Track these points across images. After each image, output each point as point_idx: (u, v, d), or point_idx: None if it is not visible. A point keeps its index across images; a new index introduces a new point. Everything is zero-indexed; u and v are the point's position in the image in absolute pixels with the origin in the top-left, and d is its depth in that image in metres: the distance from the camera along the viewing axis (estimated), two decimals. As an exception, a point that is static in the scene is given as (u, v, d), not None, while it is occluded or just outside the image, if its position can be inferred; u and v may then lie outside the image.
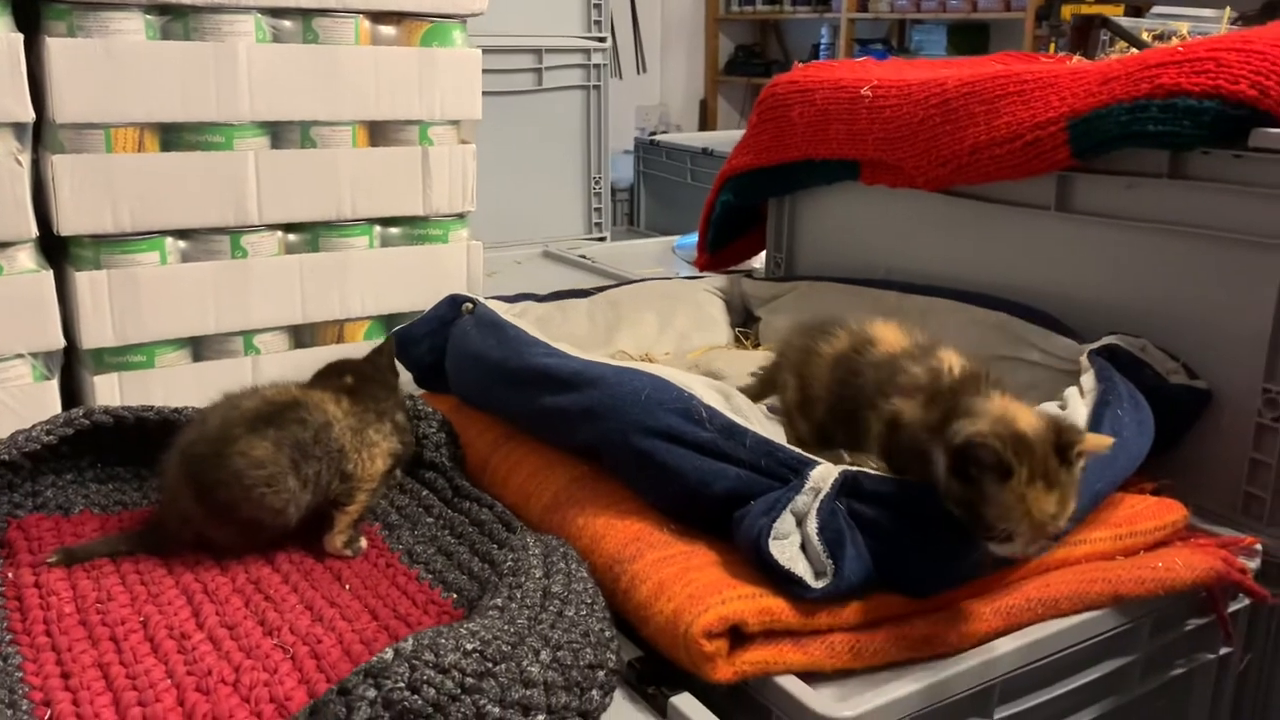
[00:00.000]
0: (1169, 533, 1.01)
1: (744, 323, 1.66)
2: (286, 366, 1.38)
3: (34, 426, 1.07)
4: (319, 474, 1.01)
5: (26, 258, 1.26)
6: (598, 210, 2.85)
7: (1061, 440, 0.80)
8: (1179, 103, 1.08)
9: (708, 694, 0.82)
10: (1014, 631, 0.88)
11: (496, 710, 0.69)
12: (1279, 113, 1.04)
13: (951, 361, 0.93)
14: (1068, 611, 0.90)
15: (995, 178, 1.29)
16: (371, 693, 0.68)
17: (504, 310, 1.31)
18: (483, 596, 0.88)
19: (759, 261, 1.86)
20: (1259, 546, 1.04)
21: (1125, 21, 2.04)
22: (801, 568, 0.83)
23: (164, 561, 1.01)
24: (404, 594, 0.97)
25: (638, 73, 5.30)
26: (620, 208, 3.48)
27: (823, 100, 1.50)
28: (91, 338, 1.31)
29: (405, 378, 1.31)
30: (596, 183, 2.82)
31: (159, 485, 1.08)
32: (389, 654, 0.70)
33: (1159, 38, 1.85)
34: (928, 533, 0.85)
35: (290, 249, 1.44)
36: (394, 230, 1.52)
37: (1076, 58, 1.61)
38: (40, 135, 1.28)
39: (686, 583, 0.85)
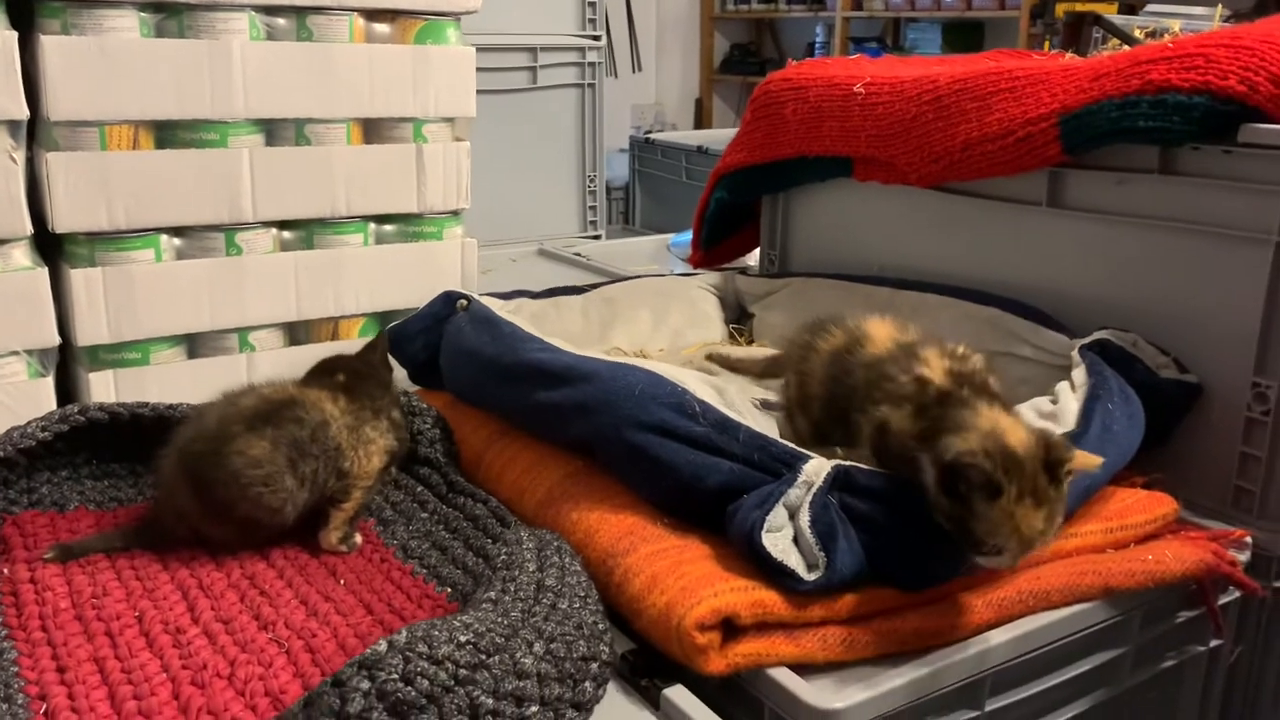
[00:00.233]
0: (1159, 526, 1.02)
1: (738, 319, 1.67)
2: (282, 364, 1.38)
3: (29, 423, 1.07)
4: (316, 472, 1.02)
5: (21, 255, 1.26)
6: (593, 209, 2.85)
7: (1051, 457, 0.81)
8: (1169, 99, 1.08)
9: (701, 686, 0.82)
10: (1005, 624, 0.88)
11: (490, 701, 0.70)
12: (1268, 108, 1.05)
13: (942, 364, 0.92)
14: (1059, 604, 0.91)
15: (987, 174, 1.30)
16: (365, 684, 0.68)
17: (498, 307, 1.32)
18: (477, 590, 0.89)
19: (753, 259, 1.86)
20: (1249, 539, 1.05)
21: (1118, 19, 2.05)
22: (794, 560, 0.84)
23: (159, 557, 1.01)
24: (399, 589, 0.97)
25: (633, 71, 5.30)
26: (615, 206, 3.49)
27: (816, 97, 1.51)
28: (86, 335, 1.31)
29: (399, 374, 1.32)
30: (591, 181, 2.82)
31: (155, 482, 1.08)
32: (383, 646, 0.70)
33: (1151, 35, 1.85)
34: (919, 527, 0.85)
35: (285, 246, 1.45)
36: (388, 227, 1.52)
37: (1069, 55, 1.61)
38: (35, 133, 1.28)
39: (679, 576, 0.85)
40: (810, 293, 1.55)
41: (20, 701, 0.78)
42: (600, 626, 0.83)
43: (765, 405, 1.23)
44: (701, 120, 5.67)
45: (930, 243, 1.47)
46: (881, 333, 1.02)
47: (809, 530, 0.85)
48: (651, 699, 0.82)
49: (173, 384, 1.36)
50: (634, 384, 1.00)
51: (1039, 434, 0.83)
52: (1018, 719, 0.91)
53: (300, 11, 1.38)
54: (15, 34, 1.20)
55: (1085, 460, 0.83)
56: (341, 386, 1.09)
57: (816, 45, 5.25)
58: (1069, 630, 0.92)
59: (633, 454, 0.97)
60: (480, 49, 1.54)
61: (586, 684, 0.77)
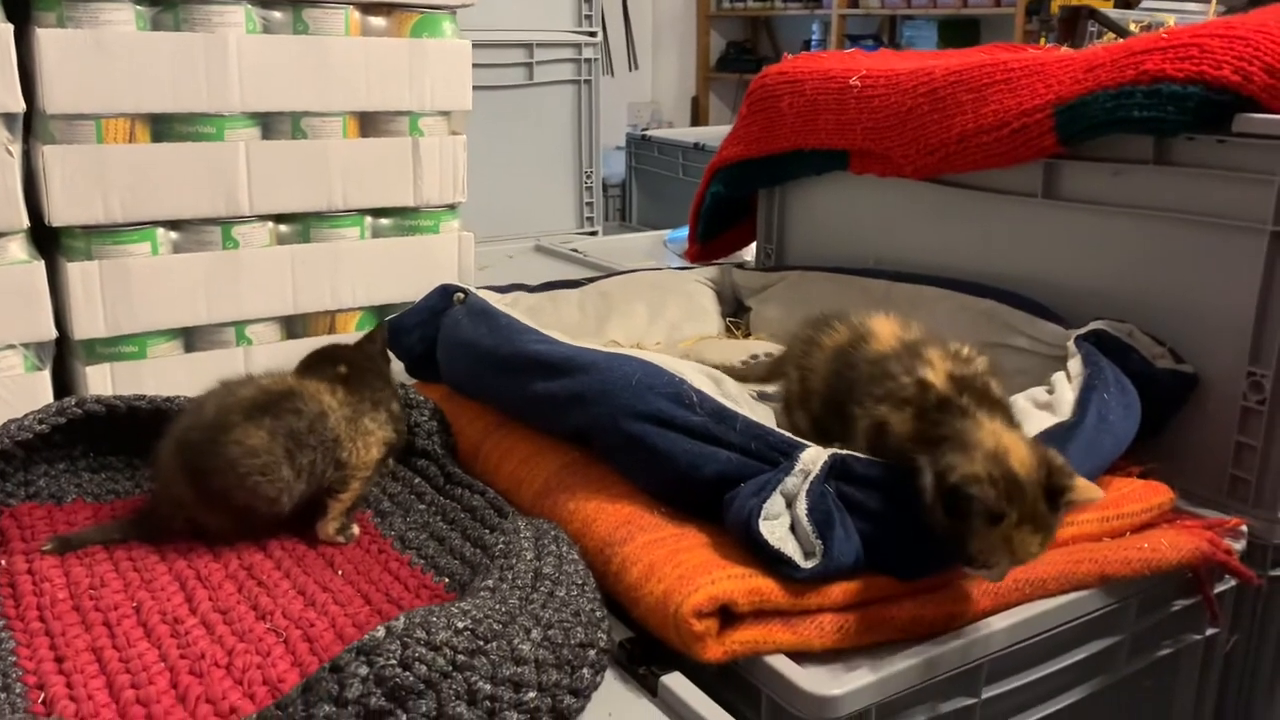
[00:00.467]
0: (1155, 515, 1.02)
1: (735, 313, 1.67)
2: (278, 357, 1.38)
3: (26, 415, 1.07)
4: (314, 463, 1.02)
5: (18, 248, 1.26)
6: (589, 205, 2.85)
7: (1052, 484, 0.80)
8: (1163, 88, 1.09)
9: (698, 674, 0.82)
10: (1001, 611, 0.88)
11: (488, 687, 0.70)
12: (1262, 98, 1.05)
13: (945, 366, 0.91)
14: (1055, 592, 0.91)
15: (983, 165, 1.30)
16: (364, 670, 0.68)
17: (495, 300, 1.32)
18: (474, 579, 0.89)
19: (749, 254, 1.86)
20: (1244, 528, 1.05)
21: (1113, 13, 2.05)
22: (791, 548, 0.84)
23: (157, 548, 1.01)
24: (396, 579, 0.97)
25: (629, 70, 5.31)
26: (612, 204, 3.49)
27: (812, 91, 1.51)
28: (83, 328, 1.31)
29: (396, 367, 1.32)
30: (588, 177, 2.82)
31: (152, 472, 1.08)
32: (381, 632, 0.70)
33: (1146, 29, 1.86)
34: (916, 517, 0.85)
35: (281, 239, 1.45)
36: (385, 221, 1.52)
37: (1064, 49, 1.61)
38: (31, 126, 1.28)
39: (676, 564, 0.86)
40: (806, 286, 1.55)
41: (18, 691, 0.78)
42: (598, 614, 0.83)
43: (763, 397, 1.23)
44: (698, 118, 5.68)
45: (926, 235, 1.47)
46: (886, 330, 1.01)
47: (806, 518, 0.85)
48: (649, 686, 0.82)
49: (169, 377, 1.37)
50: (631, 374, 1.00)
51: (1041, 454, 0.82)
52: (1014, 706, 0.92)
53: (296, 4, 1.38)
54: (11, 27, 1.20)
55: (1086, 491, 0.82)
56: (340, 378, 1.09)
57: (813, 43, 5.25)
58: (1065, 618, 0.92)
59: (630, 444, 0.97)
60: (476, 45, 1.54)
61: (584, 670, 0.77)
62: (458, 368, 1.27)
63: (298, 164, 1.41)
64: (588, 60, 2.76)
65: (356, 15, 1.43)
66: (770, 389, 1.25)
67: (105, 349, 1.35)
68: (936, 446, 0.84)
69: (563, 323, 1.47)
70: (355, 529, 1.05)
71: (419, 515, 1.09)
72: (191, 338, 1.42)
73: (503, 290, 1.46)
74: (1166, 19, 1.91)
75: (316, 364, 1.11)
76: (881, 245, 1.54)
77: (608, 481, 1.01)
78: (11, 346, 1.27)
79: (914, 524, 0.86)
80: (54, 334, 1.30)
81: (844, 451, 0.90)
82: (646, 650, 0.85)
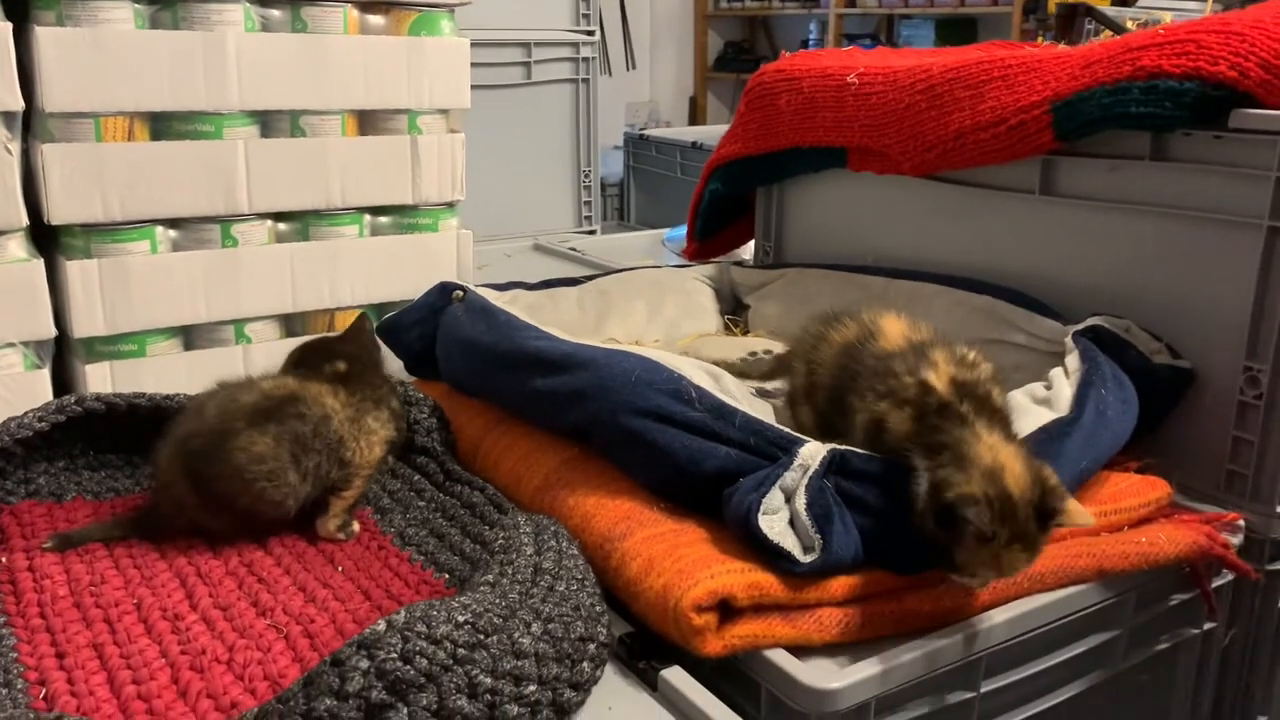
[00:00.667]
0: (1153, 509, 1.02)
1: (733, 310, 1.67)
2: (277, 355, 1.37)
3: (26, 413, 1.07)
4: (318, 466, 1.02)
5: (17, 247, 1.26)
6: (588, 204, 2.85)
7: (1045, 505, 0.81)
8: (1160, 84, 1.09)
9: (698, 668, 0.83)
10: (1000, 606, 0.89)
11: (488, 680, 0.70)
12: (1259, 93, 1.06)
13: (949, 370, 0.91)
14: (1053, 586, 0.91)
15: (980, 162, 1.30)
16: (365, 663, 0.68)
17: (494, 298, 1.32)
18: (474, 574, 0.89)
19: (748, 252, 1.87)
20: (1241, 523, 1.05)
21: (1110, 11, 2.05)
22: (790, 543, 0.84)
23: (157, 546, 1.01)
24: (396, 575, 0.98)
25: (627, 69, 5.31)
26: (610, 203, 3.49)
27: (810, 88, 1.51)
28: (83, 327, 1.32)
29: (395, 365, 1.32)
30: (586, 176, 2.82)
31: (152, 473, 1.08)
32: (381, 625, 0.70)
33: (1143, 25, 1.86)
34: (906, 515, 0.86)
35: (280, 238, 1.45)
36: (384, 219, 1.52)
37: (1061, 47, 1.62)
38: (30, 124, 1.28)
39: (676, 559, 0.86)
40: (805, 283, 1.56)
41: (20, 686, 0.79)
42: (598, 608, 0.83)
43: (762, 393, 1.23)
44: (696, 118, 5.68)
45: (924, 232, 1.47)
46: (895, 329, 1.01)
47: (805, 513, 0.85)
48: (649, 680, 0.83)
49: (169, 376, 1.37)
50: (630, 370, 1.00)
51: (1036, 473, 0.82)
52: (1013, 700, 0.92)
53: (295, 3, 1.38)
54: (10, 25, 1.20)
55: (1077, 515, 0.82)
56: (341, 378, 1.09)
57: (810, 42, 5.25)
58: (1063, 612, 0.92)
59: (629, 439, 0.97)
60: (474, 44, 1.54)
61: (584, 664, 0.77)
62: (457, 365, 1.27)
63: (296, 162, 1.41)
64: (585, 59, 2.76)
65: (355, 13, 1.44)
66: (769, 386, 1.25)
67: (105, 347, 1.35)
68: (933, 451, 0.84)
69: (561, 320, 1.47)
70: (355, 526, 1.06)
71: (419, 512, 1.09)
72: (191, 336, 1.42)
73: (501, 288, 1.46)
74: (1163, 15, 1.91)
75: (307, 359, 1.10)
76: (880, 242, 1.55)
77: (607, 477, 1.01)
78: (11, 345, 1.27)
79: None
80: (53, 332, 1.30)
81: (843, 447, 0.90)
82: (646, 644, 0.86)
